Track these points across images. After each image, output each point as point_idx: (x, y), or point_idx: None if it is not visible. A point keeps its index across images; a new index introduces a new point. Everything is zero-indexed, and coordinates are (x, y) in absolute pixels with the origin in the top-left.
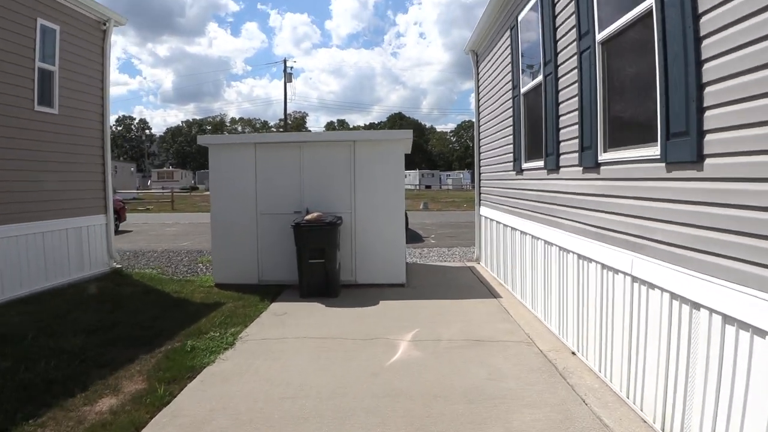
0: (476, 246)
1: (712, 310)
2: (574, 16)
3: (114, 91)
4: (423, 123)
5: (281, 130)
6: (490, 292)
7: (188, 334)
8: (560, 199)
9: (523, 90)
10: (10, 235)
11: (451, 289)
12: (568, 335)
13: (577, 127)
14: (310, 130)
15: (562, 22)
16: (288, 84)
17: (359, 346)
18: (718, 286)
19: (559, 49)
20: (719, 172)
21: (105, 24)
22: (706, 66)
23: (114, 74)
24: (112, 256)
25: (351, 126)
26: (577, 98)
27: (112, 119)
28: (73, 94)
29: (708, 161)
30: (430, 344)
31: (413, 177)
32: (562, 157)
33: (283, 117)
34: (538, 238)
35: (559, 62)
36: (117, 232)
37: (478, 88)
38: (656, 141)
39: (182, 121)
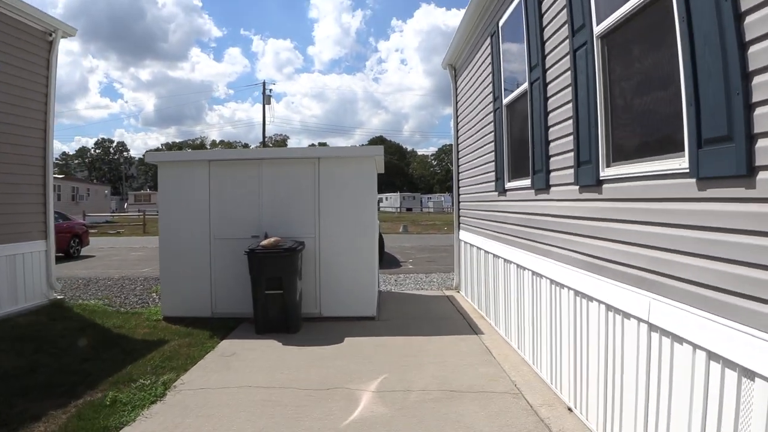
0: (455, 273)
1: None
2: (565, 10)
3: (94, 114)
4: (404, 146)
5: None
6: (470, 327)
7: (115, 382)
8: (551, 223)
9: (505, 101)
10: None
11: (427, 323)
12: (563, 386)
13: (571, 138)
14: None
15: (551, 20)
16: (267, 106)
17: (313, 400)
18: None
19: (547, 51)
20: None
21: (51, 35)
22: (752, 49)
23: (95, 98)
24: (52, 287)
25: None
26: (571, 104)
27: (90, 142)
28: (11, 109)
29: (762, 175)
30: (398, 396)
31: (394, 200)
32: (552, 174)
33: (262, 140)
34: (524, 268)
35: (547, 65)
36: (78, 257)
37: (457, 104)
38: (682, 151)
39: (162, 144)
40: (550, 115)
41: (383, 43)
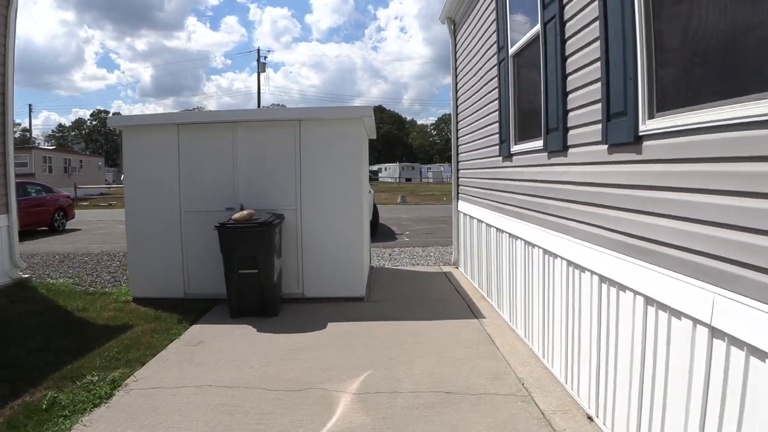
0: (454, 247)
1: None
2: None
3: (91, 85)
4: (404, 116)
5: None
6: (470, 310)
7: (62, 377)
8: (569, 192)
9: (512, 50)
10: None
11: (421, 305)
12: (581, 387)
13: (598, 86)
14: None
15: None
16: (263, 74)
17: (281, 405)
18: None
19: None
20: None
21: None
22: None
23: (92, 68)
24: (16, 265)
25: None
26: (598, 43)
27: (86, 113)
28: None
29: None
30: (383, 401)
31: (393, 170)
32: (571, 133)
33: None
34: (533, 245)
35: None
36: (63, 231)
37: (456, 62)
38: None
39: None
40: (569, 60)
41: (382, 11)
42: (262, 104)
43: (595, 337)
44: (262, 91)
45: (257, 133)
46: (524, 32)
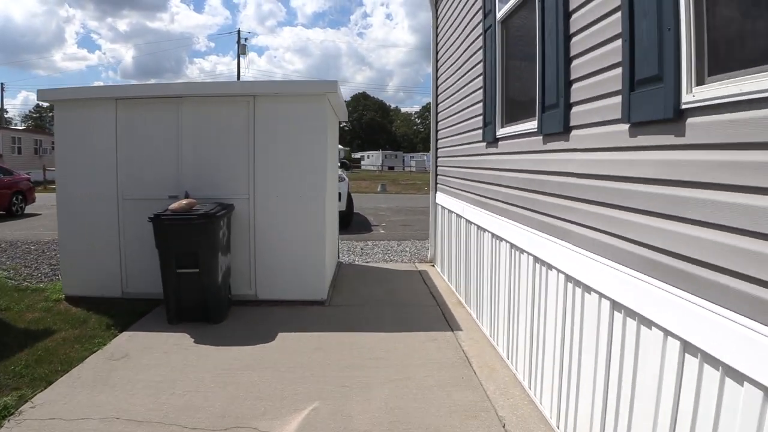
0: (430, 243)
1: None
2: None
3: (72, 65)
4: (388, 104)
5: None
6: (444, 319)
7: None
8: (571, 187)
9: (500, 14)
10: None
11: (390, 312)
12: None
13: (618, 44)
14: None
15: None
16: (245, 57)
17: None
18: None
19: None
20: None
21: None
22: None
23: (72, 48)
24: None
25: None
26: None
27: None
28: None
29: None
30: None
31: (376, 158)
32: (576, 110)
33: None
34: (521, 250)
35: None
36: (21, 215)
37: (437, 36)
38: None
39: None
40: (575, 15)
41: None
42: None
43: (601, 379)
44: (243, 74)
45: (206, 109)
46: None
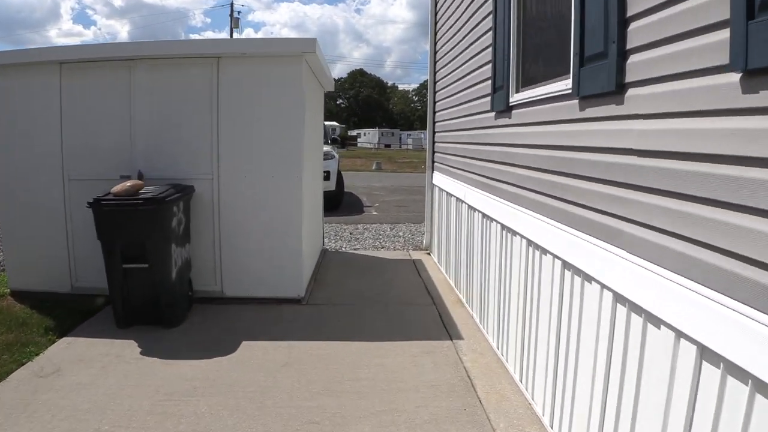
0: (426, 229)
1: None
2: None
3: (67, 41)
4: (385, 81)
5: None
6: (442, 324)
7: None
8: (631, 171)
9: None
10: None
11: (378, 314)
12: None
13: None
14: None
15: None
16: (238, 31)
17: None
18: None
19: None
20: None
21: None
22: None
23: (68, 24)
24: None
25: None
26: None
27: None
28: None
29: None
30: None
31: (372, 135)
32: (635, 58)
33: None
34: (544, 250)
35: None
36: None
37: None
38: None
39: None
40: None
41: None
42: None
43: (659, 417)
44: None
45: (163, 74)
46: None
